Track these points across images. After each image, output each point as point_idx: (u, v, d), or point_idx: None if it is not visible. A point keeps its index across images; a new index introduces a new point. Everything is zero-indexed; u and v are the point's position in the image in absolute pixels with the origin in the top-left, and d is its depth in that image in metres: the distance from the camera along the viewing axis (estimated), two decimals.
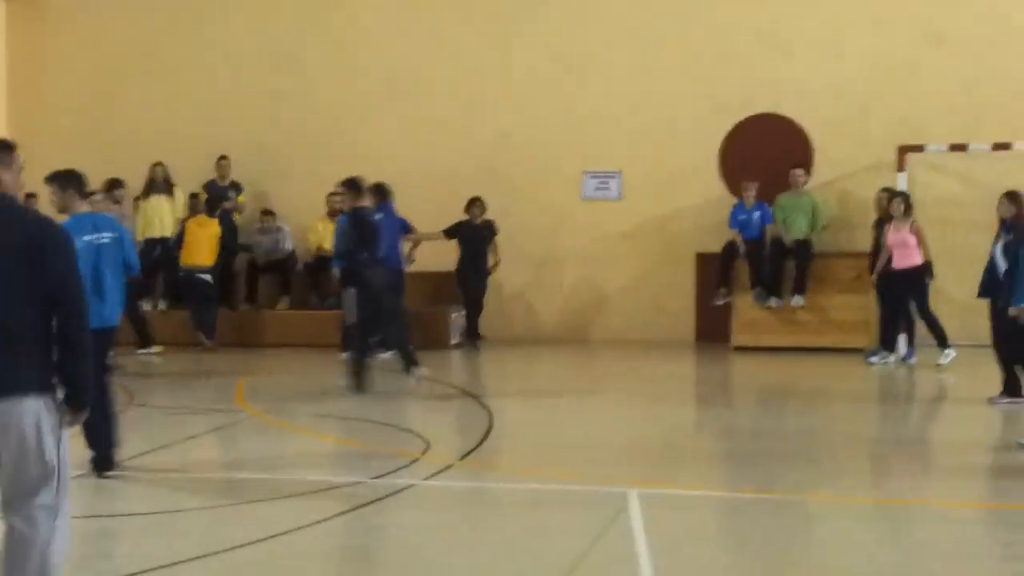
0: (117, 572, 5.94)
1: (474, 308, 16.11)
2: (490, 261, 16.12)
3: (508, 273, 16.77)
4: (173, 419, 10.77)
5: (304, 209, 16.91)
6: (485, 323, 16.16)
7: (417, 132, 17.24)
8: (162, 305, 16.62)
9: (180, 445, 9.44)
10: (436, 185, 16.57)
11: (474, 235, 16.01)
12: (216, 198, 16.70)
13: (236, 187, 17.06)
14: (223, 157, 17.12)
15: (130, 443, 8.53)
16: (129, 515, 7.27)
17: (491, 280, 16.25)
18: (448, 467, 8.48)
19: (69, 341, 4.44)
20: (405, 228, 15.16)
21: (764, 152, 15.80)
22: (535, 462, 8.60)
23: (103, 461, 8.02)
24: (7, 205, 4.52)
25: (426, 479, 8.08)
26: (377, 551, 6.37)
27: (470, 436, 9.66)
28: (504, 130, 17.02)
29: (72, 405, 4.48)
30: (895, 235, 13.65)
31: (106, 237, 8.11)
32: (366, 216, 12.20)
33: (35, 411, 4.35)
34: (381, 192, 13.61)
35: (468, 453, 8.98)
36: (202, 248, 15.76)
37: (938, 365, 13.38)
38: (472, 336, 16.04)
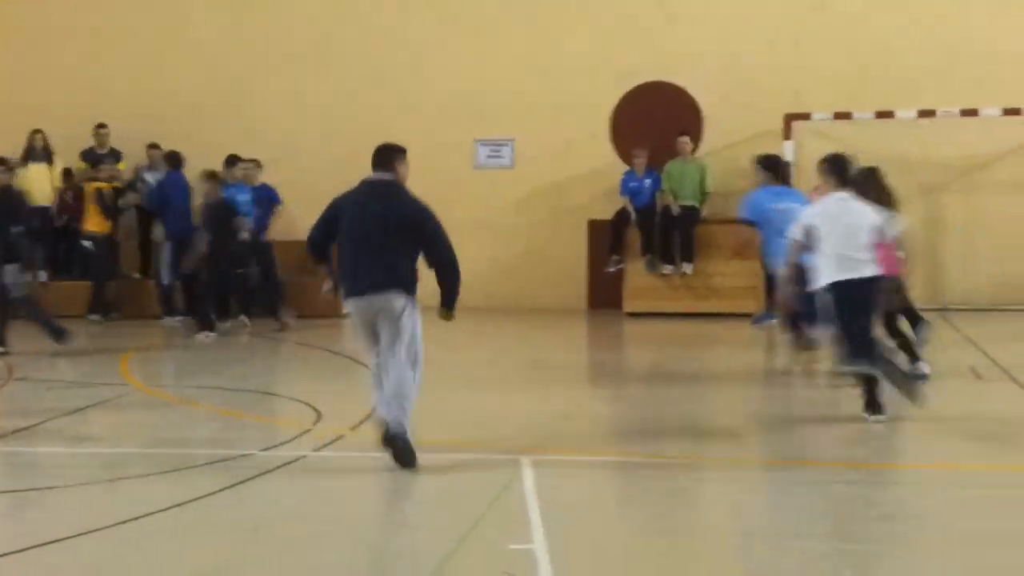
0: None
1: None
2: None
3: None
4: (55, 393, 10.44)
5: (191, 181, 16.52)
6: None
7: (305, 101, 16.96)
8: (43, 276, 16.12)
9: (62, 419, 9.17)
10: (324, 155, 16.30)
11: (213, 218, 14.02)
12: (95, 166, 16.33)
13: (115, 155, 16.64)
14: (101, 125, 16.72)
15: (10, 417, 8.26)
16: (3, 492, 7.04)
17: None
18: (340, 437, 8.38)
19: (443, 271, 7.51)
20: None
21: (655, 120, 15.89)
22: (427, 431, 8.53)
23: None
24: (398, 190, 7.64)
25: (317, 450, 7.98)
26: (267, 524, 6.26)
27: (361, 405, 9.54)
28: (395, 98, 16.83)
29: (446, 306, 7.80)
30: None
31: None
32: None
33: (402, 302, 7.43)
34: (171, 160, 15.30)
35: (360, 423, 8.87)
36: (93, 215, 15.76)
37: None
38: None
